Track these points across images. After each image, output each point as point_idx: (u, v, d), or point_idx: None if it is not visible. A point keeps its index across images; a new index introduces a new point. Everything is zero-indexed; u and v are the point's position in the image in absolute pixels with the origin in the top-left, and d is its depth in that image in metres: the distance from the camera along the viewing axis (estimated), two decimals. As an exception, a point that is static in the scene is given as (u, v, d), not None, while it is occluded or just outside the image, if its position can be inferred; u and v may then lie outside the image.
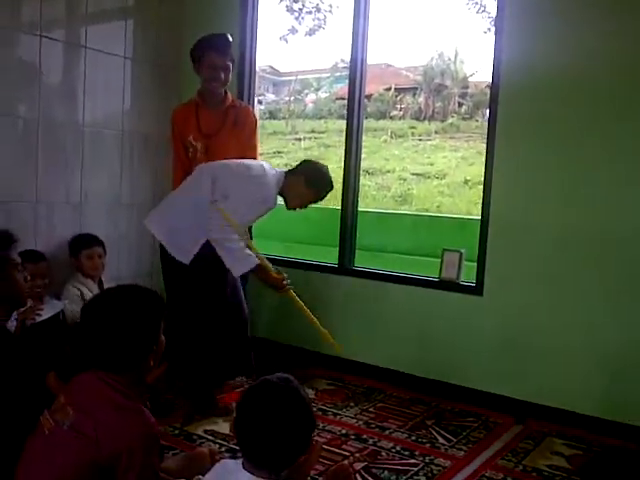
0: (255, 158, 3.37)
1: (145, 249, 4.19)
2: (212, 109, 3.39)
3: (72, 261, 3.54)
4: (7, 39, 3.31)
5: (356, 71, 3.78)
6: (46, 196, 3.58)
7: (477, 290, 3.33)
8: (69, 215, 3.72)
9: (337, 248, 3.87)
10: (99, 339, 1.64)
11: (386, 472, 2.52)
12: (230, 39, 3.33)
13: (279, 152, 14.47)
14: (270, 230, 6.29)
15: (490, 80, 3.33)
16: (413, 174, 11.75)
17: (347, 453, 2.67)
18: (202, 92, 3.38)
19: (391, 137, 14.38)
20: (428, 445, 2.81)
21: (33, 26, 3.39)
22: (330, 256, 4.00)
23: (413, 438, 2.88)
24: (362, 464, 2.57)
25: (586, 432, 2.98)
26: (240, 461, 1.48)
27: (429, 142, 13.91)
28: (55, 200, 3.64)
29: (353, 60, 3.79)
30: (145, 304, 1.69)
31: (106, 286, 3.54)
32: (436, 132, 14.56)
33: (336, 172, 3.83)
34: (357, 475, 2.46)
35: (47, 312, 2.92)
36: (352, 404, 3.26)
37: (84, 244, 3.54)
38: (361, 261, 4.01)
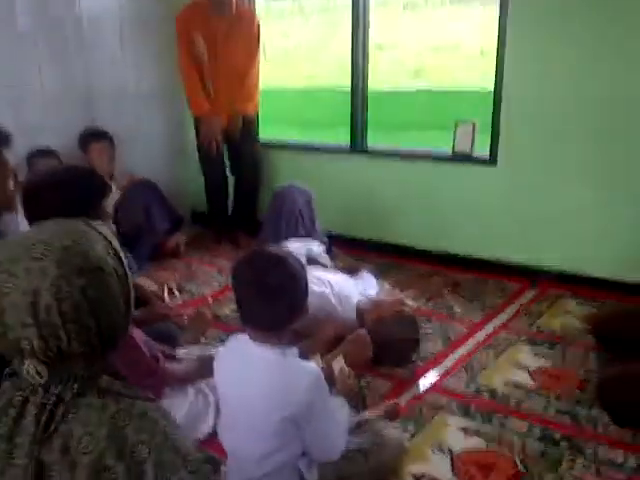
0: (257, 67, 3.65)
1: (158, 140, 4.20)
2: (220, 15, 3.42)
3: (83, 156, 3.56)
4: None
5: (360, -64, 3.54)
6: (52, 91, 3.56)
7: (491, 161, 3.31)
8: (77, 109, 3.70)
9: (342, 128, 3.79)
10: None
11: (405, 339, 2.65)
12: None
13: (287, 34, 13.89)
14: (282, 115, 6.21)
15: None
16: (427, 47, 11.27)
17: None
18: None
19: (404, 9, 13.65)
20: (444, 312, 2.92)
21: None
22: (342, 136, 3.95)
23: (430, 306, 2.99)
24: (382, 333, 2.70)
25: (599, 293, 3.06)
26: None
27: (443, 12, 13.20)
28: (61, 95, 3.61)
29: None
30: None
31: (119, 181, 3.60)
32: (450, 1, 13.77)
33: (345, 50, 3.71)
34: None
35: None
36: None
37: (92, 138, 3.56)
38: (375, 140, 3.97)
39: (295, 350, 1.55)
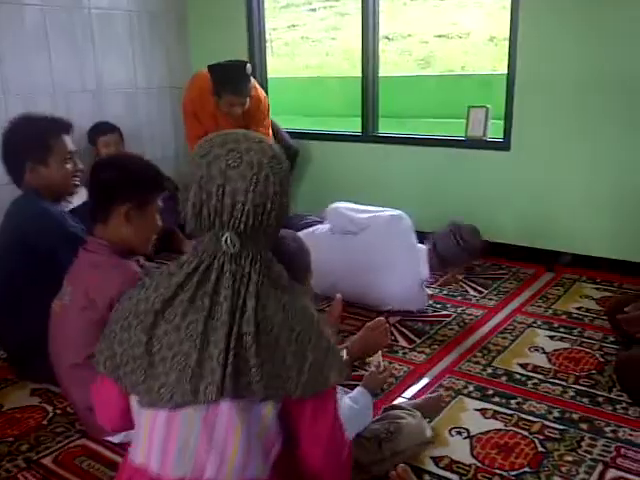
0: (268, 135, 3.50)
1: (167, 133, 4.20)
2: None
3: (92, 150, 3.57)
4: None
5: None
6: (62, 85, 3.57)
7: (504, 145, 3.28)
8: (87, 104, 3.71)
9: (352, 117, 3.79)
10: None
11: (420, 324, 2.64)
12: (248, 70, 3.25)
13: (294, 25, 13.84)
14: (291, 104, 6.19)
15: None
16: (435, 36, 11.19)
17: (385, 310, 2.79)
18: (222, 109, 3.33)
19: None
20: (459, 298, 2.91)
21: None
22: (354, 126, 3.94)
23: (444, 292, 2.98)
24: (396, 318, 2.69)
25: (615, 275, 3.04)
26: None
27: (450, 1, 13.10)
28: (71, 89, 3.62)
29: None
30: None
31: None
32: (458, -12, 13.64)
33: (355, 40, 3.69)
34: (393, 328, 2.59)
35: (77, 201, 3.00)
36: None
37: (100, 131, 3.58)
38: (386, 128, 3.96)
39: None
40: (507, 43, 3.24)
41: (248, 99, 3.31)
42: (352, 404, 1.66)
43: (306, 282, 1.61)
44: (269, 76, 4.25)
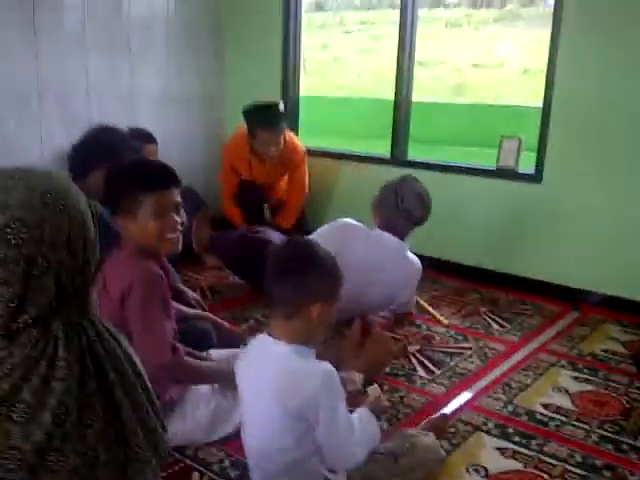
0: (303, 183, 3.70)
1: (197, 144, 4.22)
2: (265, 161, 3.56)
3: None
4: None
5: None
6: (97, 92, 3.60)
7: (536, 178, 3.23)
8: (119, 109, 3.74)
9: (386, 140, 3.78)
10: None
11: (440, 354, 2.58)
12: (282, 108, 3.43)
13: (326, 46, 13.96)
14: (320, 124, 6.21)
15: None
16: (469, 64, 11.20)
17: (400, 337, 2.74)
18: (256, 151, 3.52)
19: (445, 27, 13.60)
20: (482, 331, 2.85)
21: None
22: (380, 148, 3.93)
23: (467, 324, 2.92)
24: (416, 347, 2.64)
25: (644, 319, 2.95)
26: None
27: (486, 31, 13.12)
28: (106, 95, 3.65)
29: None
30: None
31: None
32: (494, 20, 13.66)
33: (388, 64, 3.69)
34: (411, 356, 2.54)
35: None
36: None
37: (141, 140, 3.56)
38: (415, 153, 3.93)
39: (312, 350, 1.53)
40: (543, 76, 3.20)
41: (282, 140, 3.46)
42: (358, 419, 1.62)
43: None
44: (301, 94, 4.26)
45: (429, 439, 1.79)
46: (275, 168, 3.63)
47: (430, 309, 3.01)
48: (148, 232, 1.82)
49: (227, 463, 1.81)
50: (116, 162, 2.18)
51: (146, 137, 3.56)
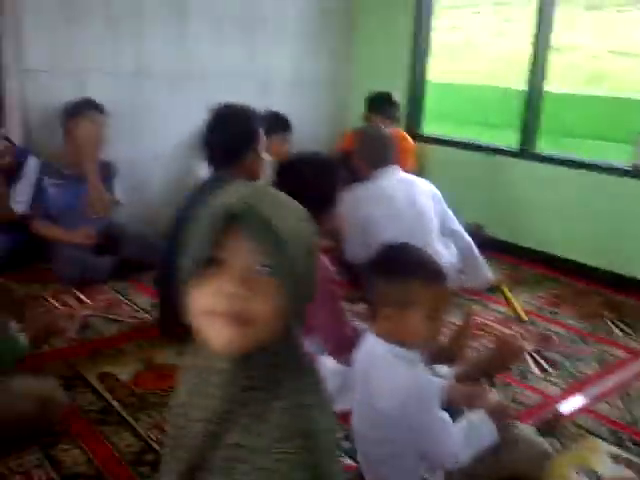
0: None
1: (322, 128, 4.34)
2: None
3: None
4: None
5: None
6: (233, 75, 3.81)
7: (677, 180, 3.06)
8: (254, 93, 3.92)
9: (508, 130, 3.69)
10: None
11: (557, 355, 2.55)
12: (396, 99, 3.70)
13: (455, 27, 13.62)
14: (446, 111, 6.14)
15: None
16: (609, 52, 10.46)
17: (519, 333, 2.73)
18: None
19: (584, 9, 12.81)
20: (603, 335, 2.77)
21: None
22: (505, 139, 3.85)
23: (587, 326, 2.84)
24: (533, 346, 2.62)
25: None
26: None
27: (631, 14, 12.20)
28: (241, 77, 3.85)
29: None
30: None
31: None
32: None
33: (521, 49, 3.59)
34: (527, 355, 2.52)
35: None
36: (524, 289, 3.25)
37: (278, 129, 3.68)
38: (544, 145, 3.82)
39: (417, 356, 1.54)
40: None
41: (393, 128, 3.56)
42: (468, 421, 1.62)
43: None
44: (428, 79, 4.25)
45: (532, 433, 1.74)
46: None
47: (513, 300, 2.96)
48: None
49: (341, 435, 1.91)
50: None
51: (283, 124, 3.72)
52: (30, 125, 3.21)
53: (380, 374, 1.52)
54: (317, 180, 1.96)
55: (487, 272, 3.06)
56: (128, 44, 3.40)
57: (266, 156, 2.55)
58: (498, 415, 1.69)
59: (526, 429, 1.75)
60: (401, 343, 1.51)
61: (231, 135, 2.39)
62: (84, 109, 3.08)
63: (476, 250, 3.02)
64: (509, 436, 1.65)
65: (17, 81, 3.15)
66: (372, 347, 1.57)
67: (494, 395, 1.80)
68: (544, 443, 1.76)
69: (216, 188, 2.42)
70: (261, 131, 2.46)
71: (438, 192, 2.97)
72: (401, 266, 1.52)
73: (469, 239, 3.03)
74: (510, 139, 3.89)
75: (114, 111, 3.25)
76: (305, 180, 1.92)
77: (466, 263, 2.99)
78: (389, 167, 2.92)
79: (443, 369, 1.87)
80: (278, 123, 3.70)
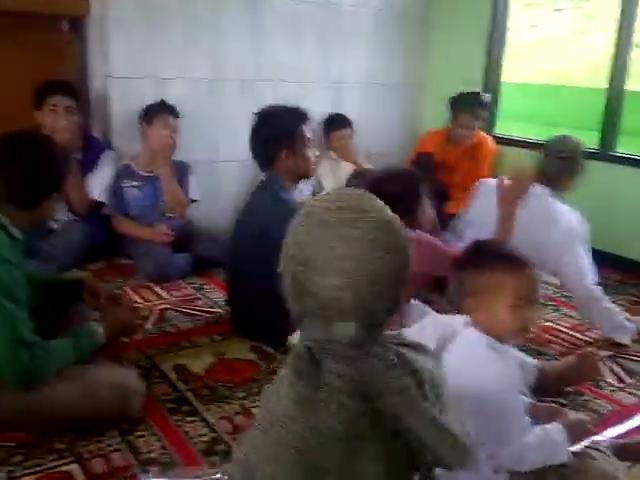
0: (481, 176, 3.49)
1: (394, 129, 4.34)
2: (455, 146, 3.76)
3: (324, 139, 3.84)
4: None
5: None
6: (307, 77, 3.87)
7: None
8: (327, 95, 3.97)
9: (587, 131, 3.58)
10: None
11: (631, 363, 2.46)
12: (486, 98, 3.69)
13: (533, 25, 13.19)
14: (522, 111, 5.99)
15: None
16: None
17: (592, 340, 2.65)
18: (451, 135, 3.78)
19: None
20: (690, 343, 2.64)
21: None
22: (584, 140, 3.71)
23: (669, 335, 2.71)
24: (608, 352, 2.53)
25: None
26: None
27: None
28: (314, 79, 3.91)
29: None
30: None
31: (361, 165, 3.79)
32: None
33: (602, 47, 3.47)
34: (602, 362, 2.44)
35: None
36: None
37: (335, 126, 3.81)
38: (625, 147, 3.67)
39: (508, 347, 1.53)
40: None
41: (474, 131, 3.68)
42: (544, 428, 1.58)
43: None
44: (503, 80, 4.17)
45: (610, 466, 1.61)
46: (464, 155, 3.75)
47: None
48: None
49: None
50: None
51: (339, 123, 3.77)
52: (112, 129, 3.38)
53: (470, 362, 1.48)
54: (401, 198, 1.95)
55: None
56: (205, 49, 3.52)
57: (312, 154, 2.52)
58: (578, 431, 1.64)
59: (602, 458, 1.62)
60: (490, 334, 1.50)
61: (263, 137, 2.45)
62: (158, 113, 3.22)
63: None
64: (580, 463, 1.57)
65: (102, 86, 3.33)
66: (465, 339, 1.54)
67: (575, 414, 1.76)
68: (619, 473, 1.62)
69: (260, 191, 2.47)
70: (301, 130, 2.46)
71: None
72: (485, 254, 1.55)
73: None
74: (589, 140, 3.76)
75: (193, 115, 3.38)
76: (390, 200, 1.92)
77: None
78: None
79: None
80: (335, 121, 3.79)
